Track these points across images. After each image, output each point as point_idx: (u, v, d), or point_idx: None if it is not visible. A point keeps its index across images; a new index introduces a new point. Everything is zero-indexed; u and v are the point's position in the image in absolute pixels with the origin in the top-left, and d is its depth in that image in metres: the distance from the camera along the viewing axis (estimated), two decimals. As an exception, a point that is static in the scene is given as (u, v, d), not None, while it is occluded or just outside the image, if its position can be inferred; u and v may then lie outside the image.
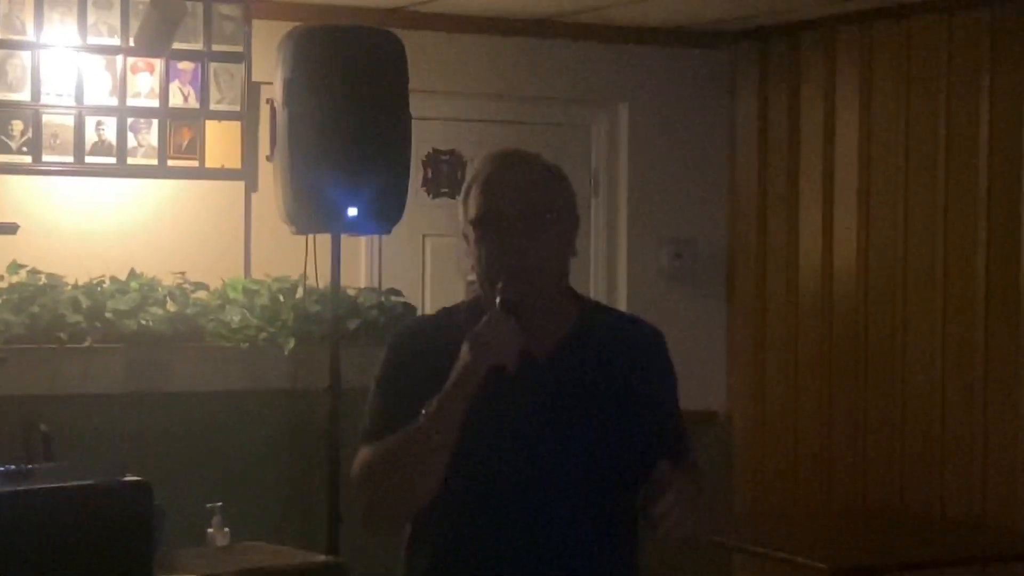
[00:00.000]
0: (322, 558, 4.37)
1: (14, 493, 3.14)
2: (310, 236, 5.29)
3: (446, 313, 2.88)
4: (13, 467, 3.31)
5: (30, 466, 3.26)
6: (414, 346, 2.83)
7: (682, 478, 2.63)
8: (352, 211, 4.91)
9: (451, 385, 2.64)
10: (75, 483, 3.05)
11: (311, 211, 4.96)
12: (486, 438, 2.69)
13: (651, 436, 2.78)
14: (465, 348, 2.64)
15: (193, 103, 5.57)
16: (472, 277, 2.85)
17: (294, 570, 4.18)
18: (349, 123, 4.88)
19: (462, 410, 2.64)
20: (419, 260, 6.07)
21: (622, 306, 6.25)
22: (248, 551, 4.46)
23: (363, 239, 5.79)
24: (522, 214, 2.72)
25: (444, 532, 2.74)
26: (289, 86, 4.93)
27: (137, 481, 3.19)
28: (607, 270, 6.37)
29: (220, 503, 4.60)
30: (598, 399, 2.76)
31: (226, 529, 4.57)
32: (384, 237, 5.63)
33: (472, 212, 2.75)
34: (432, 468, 2.65)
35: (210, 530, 4.56)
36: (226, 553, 4.47)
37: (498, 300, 2.67)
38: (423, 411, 2.65)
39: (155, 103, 5.51)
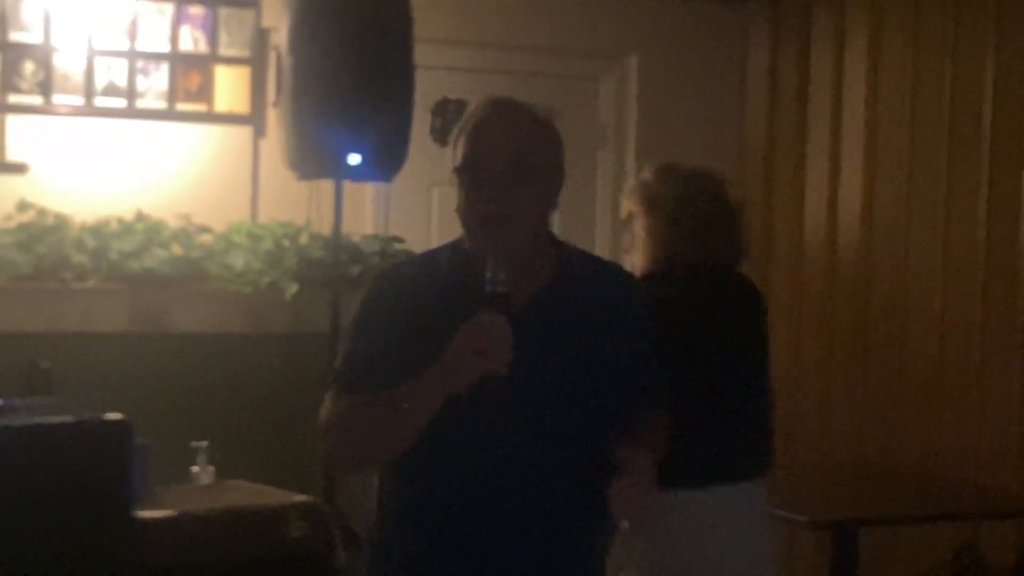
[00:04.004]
0: (300, 498, 4.36)
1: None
2: (315, 182, 5.33)
3: (429, 256, 2.87)
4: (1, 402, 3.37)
5: (15, 401, 3.30)
6: (395, 289, 2.81)
7: (643, 460, 2.60)
8: (354, 158, 4.92)
9: (436, 382, 2.57)
10: (52, 419, 3.09)
11: (313, 158, 4.98)
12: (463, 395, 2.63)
13: (625, 387, 2.78)
14: (456, 353, 2.54)
15: (203, 48, 5.62)
16: None
17: (268, 508, 4.15)
18: (353, 71, 4.89)
19: (443, 401, 2.58)
20: (426, 209, 6.10)
21: (628, 258, 6.27)
22: (228, 489, 4.48)
23: (369, 187, 5.82)
24: (503, 163, 2.68)
25: (417, 496, 2.72)
26: (294, 33, 4.95)
27: (116, 419, 3.23)
28: (613, 222, 6.38)
29: (205, 442, 4.65)
30: (574, 350, 2.73)
31: (211, 467, 4.61)
32: (391, 186, 5.64)
33: (457, 159, 2.72)
34: (406, 437, 2.63)
35: (194, 468, 4.61)
36: (207, 491, 4.51)
37: (487, 291, 2.57)
38: (401, 389, 2.58)
39: (165, 47, 5.56)
